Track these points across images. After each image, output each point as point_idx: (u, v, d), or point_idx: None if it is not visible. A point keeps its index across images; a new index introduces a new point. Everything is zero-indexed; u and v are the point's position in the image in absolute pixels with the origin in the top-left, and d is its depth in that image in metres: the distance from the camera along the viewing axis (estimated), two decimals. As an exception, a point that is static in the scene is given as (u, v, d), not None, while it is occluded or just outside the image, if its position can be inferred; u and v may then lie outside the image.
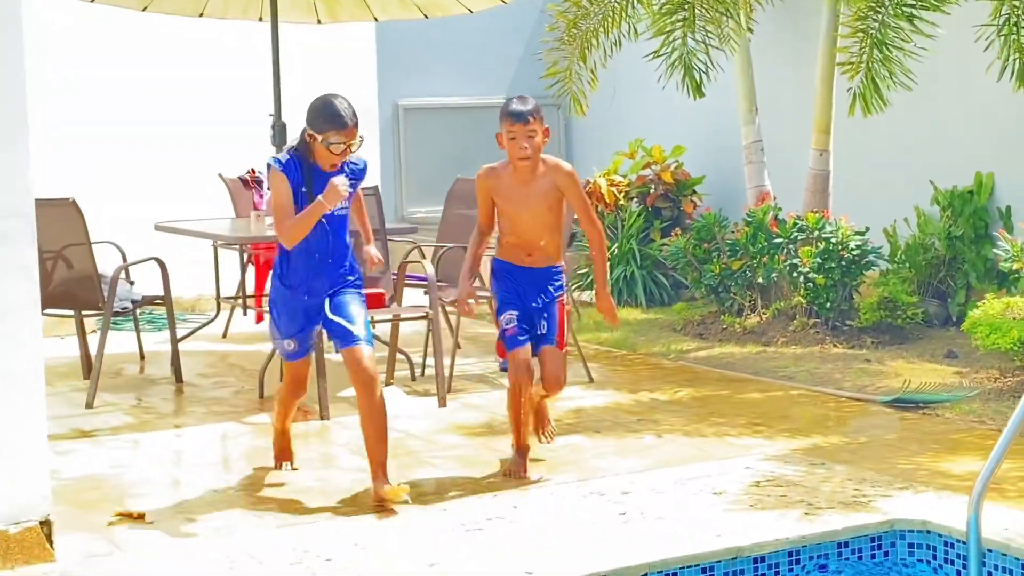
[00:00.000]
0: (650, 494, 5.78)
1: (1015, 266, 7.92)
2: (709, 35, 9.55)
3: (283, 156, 5.77)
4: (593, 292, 6.57)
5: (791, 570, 5.25)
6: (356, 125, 5.68)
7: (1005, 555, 5.03)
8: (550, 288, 6.20)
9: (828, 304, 9.31)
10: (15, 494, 5.02)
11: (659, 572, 5.01)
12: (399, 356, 8.28)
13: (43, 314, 8.26)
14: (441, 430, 7.08)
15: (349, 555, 5.03)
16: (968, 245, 9.59)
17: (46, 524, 5.07)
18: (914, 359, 8.66)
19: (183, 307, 10.62)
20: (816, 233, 9.40)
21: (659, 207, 11.51)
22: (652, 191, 11.52)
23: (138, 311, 8.74)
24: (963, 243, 9.60)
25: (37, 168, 4.96)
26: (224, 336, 9.76)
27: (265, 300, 7.75)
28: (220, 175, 9.67)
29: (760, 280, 9.59)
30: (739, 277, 9.67)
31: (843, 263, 9.27)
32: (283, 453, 6.32)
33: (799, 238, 9.45)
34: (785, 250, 9.46)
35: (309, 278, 5.79)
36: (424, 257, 8.91)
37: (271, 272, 5.96)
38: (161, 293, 8.10)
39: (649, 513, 5.52)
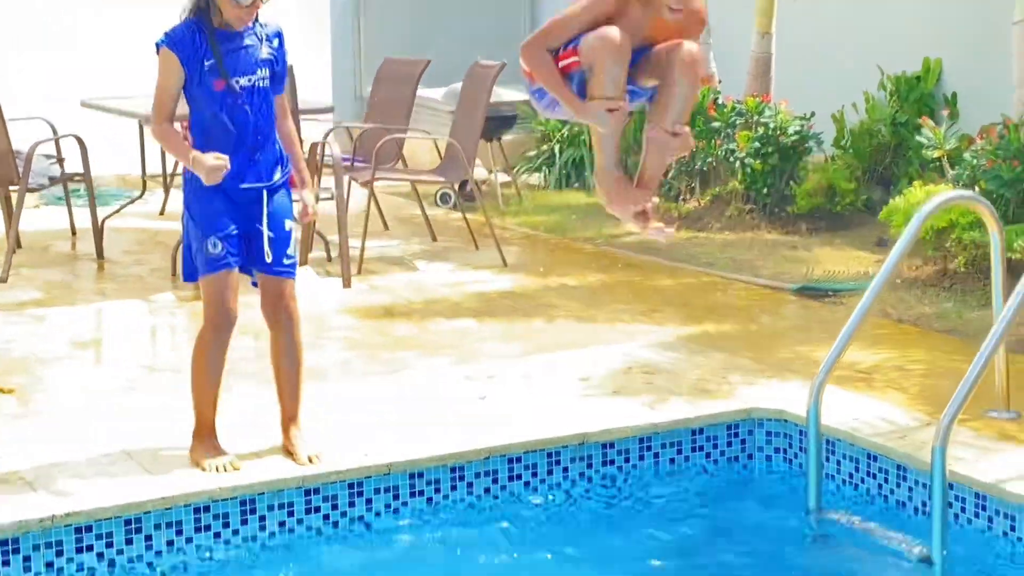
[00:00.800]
0: (518, 379, 5.77)
1: (936, 154, 7.80)
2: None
3: (177, 28, 4.69)
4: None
5: (642, 457, 5.25)
6: None
7: (852, 444, 5.02)
8: None
9: (765, 190, 9.20)
10: None
11: (502, 456, 5.03)
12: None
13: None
14: (337, 311, 7.07)
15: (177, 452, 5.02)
16: (913, 131, 9.42)
17: None
18: (844, 247, 8.56)
19: (108, 183, 10.53)
20: (756, 118, 9.26)
21: (614, 89, 11.34)
22: (608, 73, 11.35)
23: (74, 187, 8.73)
24: (908, 129, 9.43)
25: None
26: (161, 214, 9.73)
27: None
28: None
29: (699, 165, 9.49)
30: (677, 161, 9.54)
31: (781, 149, 9.15)
32: (213, 448, 4.82)
33: (738, 123, 9.32)
34: (723, 135, 9.34)
35: (237, 165, 4.70)
36: (353, 139, 8.90)
37: (187, 171, 4.81)
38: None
39: (510, 397, 5.51)
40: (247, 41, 4.74)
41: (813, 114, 9.38)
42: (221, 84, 4.69)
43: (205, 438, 4.80)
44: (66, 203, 8.97)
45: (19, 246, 8.27)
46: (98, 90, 9.19)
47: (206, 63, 4.67)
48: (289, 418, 4.90)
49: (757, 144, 9.14)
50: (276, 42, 4.82)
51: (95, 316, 7.13)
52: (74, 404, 5.54)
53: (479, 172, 10.70)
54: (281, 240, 4.84)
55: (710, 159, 9.37)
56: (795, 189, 9.24)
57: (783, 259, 8.23)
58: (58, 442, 4.97)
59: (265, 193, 4.78)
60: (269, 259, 4.81)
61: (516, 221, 9.58)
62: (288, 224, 4.86)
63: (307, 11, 11.53)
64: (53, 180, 8.29)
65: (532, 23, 13.38)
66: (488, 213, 8.56)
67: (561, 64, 4.47)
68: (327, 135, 8.15)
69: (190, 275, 4.86)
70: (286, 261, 4.85)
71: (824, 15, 9.71)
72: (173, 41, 4.66)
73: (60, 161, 8.57)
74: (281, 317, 4.88)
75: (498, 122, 10.52)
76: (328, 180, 8.12)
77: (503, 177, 10.75)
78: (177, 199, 9.75)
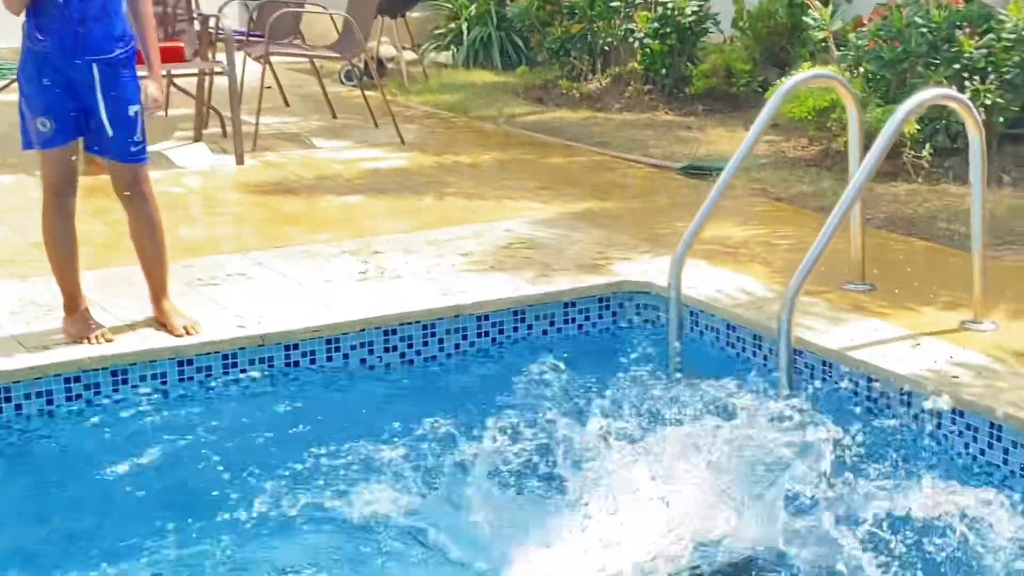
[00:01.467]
0: (399, 254, 5.86)
1: (822, 35, 7.91)
2: None
3: None
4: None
5: (516, 329, 5.38)
6: None
7: (713, 315, 5.18)
8: None
9: (663, 71, 9.29)
10: None
11: (378, 328, 5.14)
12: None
13: None
14: (226, 188, 7.12)
15: (52, 322, 5.09)
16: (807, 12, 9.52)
17: None
18: (738, 128, 8.67)
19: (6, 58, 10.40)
20: (654, -2, 9.33)
21: (521, -33, 11.34)
22: (512, -50, 11.35)
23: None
24: (804, 11, 9.52)
25: None
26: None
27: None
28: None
29: (600, 45, 9.55)
30: (579, 41, 9.61)
31: (679, 29, 9.22)
32: (83, 320, 4.86)
33: (637, 3, 9.37)
34: (623, 15, 9.39)
35: (66, 38, 4.61)
36: (249, 12, 8.86)
37: (22, 44, 4.71)
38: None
39: (388, 272, 5.61)
40: None
41: (713, -6, 9.46)
42: None
43: (73, 310, 4.86)
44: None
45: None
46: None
47: None
48: (158, 292, 4.96)
49: (656, 24, 9.21)
50: None
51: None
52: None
53: (386, 50, 10.71)
54: (123, 125, 4.76)
55: (610, 39, 9.43)
56: (693, 70, 9.34)
57: (677, 139, 8.35)
58: (-65, 313, 5.04)
59: (96, 68, 4.66)
60: (112, 147, 4.75)
61: (420, 99, 9.62)
62: (132, 109, 4.77)
63: None
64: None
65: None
66: (391, 91, 8.60)
67: None
68: (222, 8, 8.13)
69: (27, 144, 4.81)
70: (133, 149, 4.80)
71: None
72: None
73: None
74: (135, 200, 4.88)
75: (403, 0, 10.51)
76: (222, 55, 8.11)
77: (410, 55, 10.76)
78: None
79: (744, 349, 5.02)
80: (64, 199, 4.80)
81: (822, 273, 4.86)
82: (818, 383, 4.59)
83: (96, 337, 4.76)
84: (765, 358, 4.89)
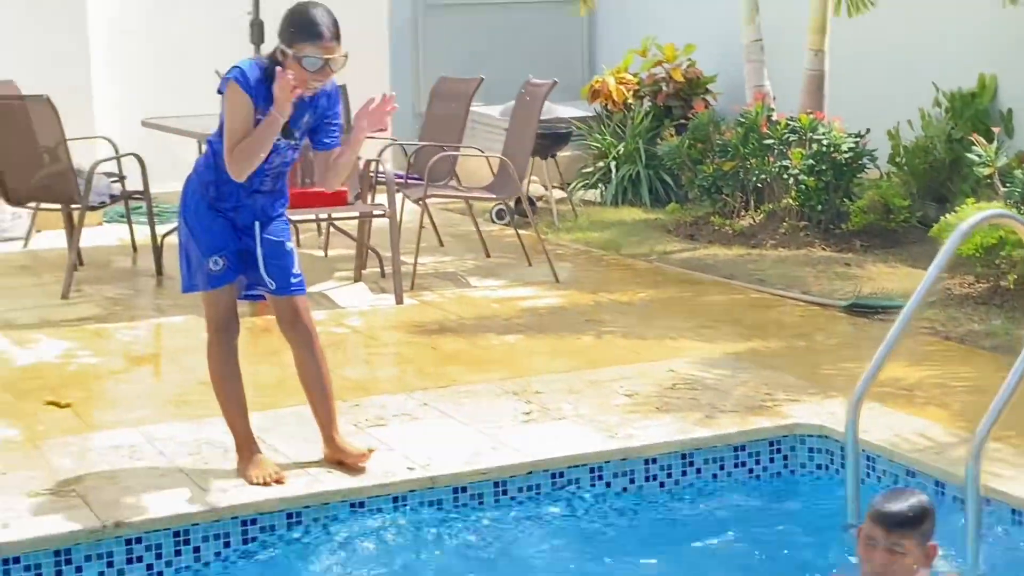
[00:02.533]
0: (563, 394, 5.83)
1: (987, 171, 7.79)
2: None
3: (249, 68, 4.67)
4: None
5: (684, 473, 5.30)
6: (338, 39, 4.66)
7: (891, 460, 5.04)
8: None
9: (819, 207, 9.22)
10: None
11: (545, 470, 5.10)
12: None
13: (34, 208, 8.59)
14: (387, 327, 7.16)
15: (224, 464, 5.13)
16: (969, 148, 9.41)
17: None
18: (897, 264, 8.56)
19: (169, 201, 10.63)
20: (809, 135, 9.28)
21: (670, 106, 11.41)
22: (663, 90, 11.42)
23: (136, 205, 8.90)
24: (963, 146, 9.41)
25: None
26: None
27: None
28: (216, 71, 9.70)
29: (753, 182, 9.51)
30: (731, 178, 9.59)
31: (835, 166, 9.16)
32: (255, 459, 4.91)
33: (791, 140, 9.33)
34: (776, 151, 9.36)
35: (243, 204, 4.82)
36: (408, 156, 9.00)
37: (189, 186, 4.88)
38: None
39: (553, 413, 5.58)
40: (298, 105, 4.70)
41: (868, 131, 9.39)
42: None
43: (244, 449, 4.91)
44: (127, 221, 9.14)
45: (81, 263, 8.46)
46: (158, 109, 9.35)
47: (260, 113, 4.64)
48: (327, 426, 4.98)
49: (811, 161, 9.16)
50: (325, 100, 4.83)
51: (152, 332, 7.27)
52: (128, 418, 5.65)
53: (535, 189, 10.79)
54: (282, 263, 4.87)
55: (763, 176, 9.39)
56: (849, 206, 9.25)
57: (836, 276, 8.24)
58: (111, 455, 5.10)
59: (258, 224, 4.84)
60: (272, 286, 4.87)
61: (570, 237, 9.65)
62: (288, 244, 4.92)
63: (367, 30, 11.64)
64: (114, 198, 8.47)
65: (590, 44, 13.46)
66: (542, 230, 8.64)
67: None
68: (381, 152, 8.26)
69: (190, 286, 4.91)
70: (293, 280, 4.90)
71: (878, 32, 9.72)
72: (244, 79, 4.63)
73: (121, 180, 8.74)
74: (299, 333, 4.94)
75: (553, 139, 10.60)
76: (382, 197, 8.23)
77: (559, 194, 10.83)
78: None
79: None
80: (229, 336, 4.92)
81: (1004, 415, 4.71)
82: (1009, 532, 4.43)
83: (268, 477, 4.78)
84: (949, 506, 4.74)
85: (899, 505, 3.94)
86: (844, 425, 4.84)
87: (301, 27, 4.62)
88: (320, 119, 4.85)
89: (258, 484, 4.76)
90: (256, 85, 4.64)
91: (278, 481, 4.79)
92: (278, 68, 4.59)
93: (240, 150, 4.63)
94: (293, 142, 4.79)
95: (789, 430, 5.40)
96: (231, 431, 4.95)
